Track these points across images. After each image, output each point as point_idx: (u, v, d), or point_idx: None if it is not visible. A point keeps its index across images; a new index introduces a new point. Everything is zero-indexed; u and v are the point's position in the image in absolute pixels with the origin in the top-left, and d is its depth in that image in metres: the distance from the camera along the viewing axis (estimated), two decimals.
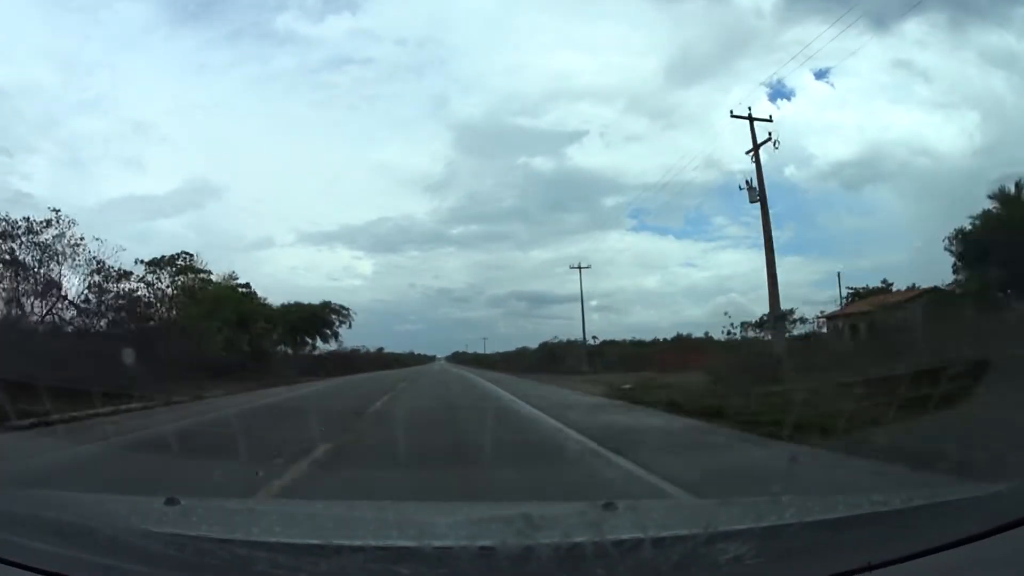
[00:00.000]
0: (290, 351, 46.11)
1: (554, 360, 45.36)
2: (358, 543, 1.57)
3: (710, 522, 1.67)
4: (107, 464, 7.31)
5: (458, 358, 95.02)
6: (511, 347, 76.12)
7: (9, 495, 2.86)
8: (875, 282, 36.11)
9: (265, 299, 41.29)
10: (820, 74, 50.51)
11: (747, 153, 22.10)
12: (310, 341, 49.21)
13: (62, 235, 20.84)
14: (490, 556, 1.50)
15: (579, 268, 46.97)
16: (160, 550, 1.54)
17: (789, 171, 49.74)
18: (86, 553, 1.55)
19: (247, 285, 39.54)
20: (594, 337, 50.84)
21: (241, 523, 2.00)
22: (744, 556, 1.49)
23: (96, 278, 21.68)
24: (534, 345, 64.90)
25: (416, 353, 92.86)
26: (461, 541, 1.63)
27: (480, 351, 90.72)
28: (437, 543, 1.59)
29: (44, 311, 20.41)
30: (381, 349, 67.58)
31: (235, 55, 74.25)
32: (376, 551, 1.52)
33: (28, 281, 20.16)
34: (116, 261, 22.57)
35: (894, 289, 33.03)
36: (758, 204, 21.72)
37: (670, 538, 1.57)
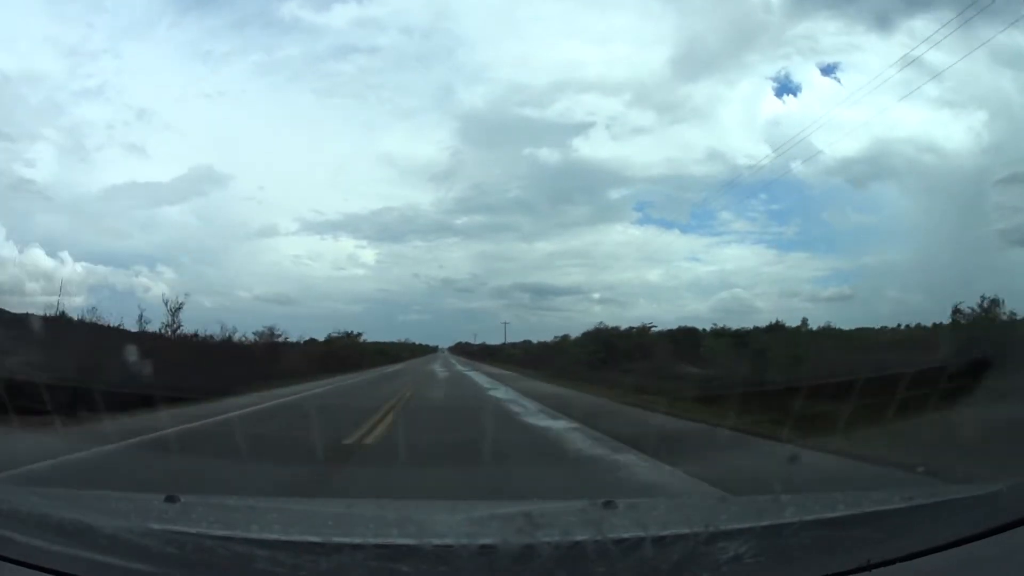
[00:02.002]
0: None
1: (613, 356, 29.57)
2: (358, 541, 1.57)
3: (710, 521, 1.67)
4: None
5: (462, 349, 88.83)
6: (512, 339, 69.08)
7: (10, 493, 2.87)
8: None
9: None
10: (827, 69, 50.17)
11: None
12: None
13: None
14: (490, 554, 1.50)
15: None
16: (160, 548, 1.54)
17: (795, 166, 49.33)
18: (87, 551, 1.55)
19: None
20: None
21: (240, 521, 2.00)
22: (744, 555, 1.50)
23: None
24: (544, 337, 56.82)
25: (417, 343, 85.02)
26: (461, 539, 1.63)
27: (490, 341, 79.54)
28: (437, 541, 1.59)
29: None
30: (353, 334, 49.24)
31: (240, 43, 73.79)
32: (376, 549, 1.52)
33: None
34: None
35: None
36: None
37: (671, 537, 1.57)
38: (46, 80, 56.57)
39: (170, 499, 2.04)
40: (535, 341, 61.09)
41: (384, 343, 64.35)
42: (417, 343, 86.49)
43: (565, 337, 44.37)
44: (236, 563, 1.49)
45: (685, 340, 29.84)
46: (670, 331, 32.87)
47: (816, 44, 48.90)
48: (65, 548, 1.57)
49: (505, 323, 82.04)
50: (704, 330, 31.23)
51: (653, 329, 34.75)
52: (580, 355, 33.51)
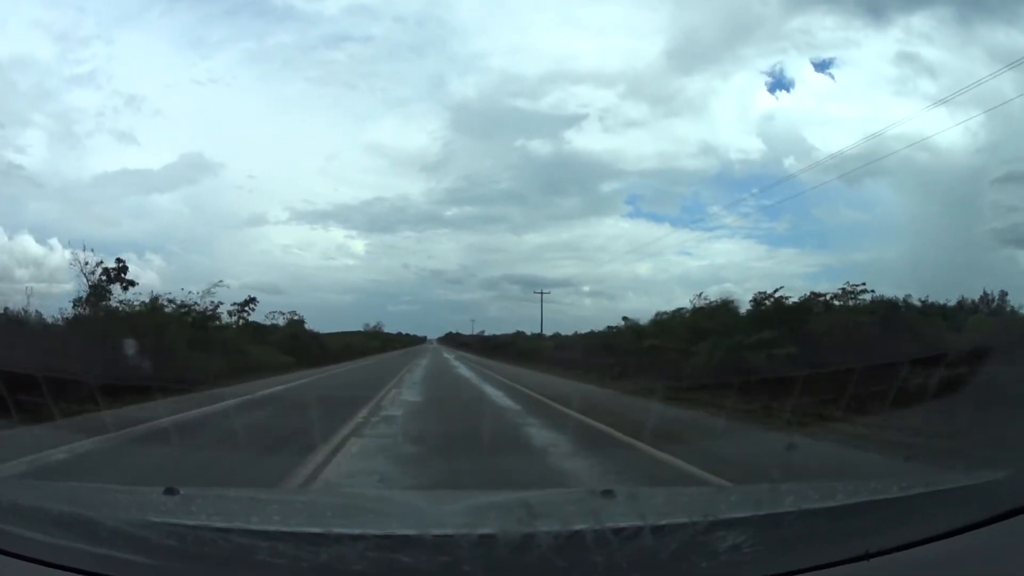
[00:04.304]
0: None
1: (816, 353, 13.41)
2: (358, 532, 1.58)
3: (709, 510, 1.67)
4: None
5: (455, 341, 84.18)
6: (501, 331, 60.80)
7: (10, 486, 2.87)
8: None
9: None
10: (822, 65, 49.97)
11: None
12: None
13: None
14: (490, 544, 1.50)
15: None
16: (160, 540, 1.54)
17: (788, 162, 49.08)
18: (87, 544, 1.55)
19: None
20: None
21: (240, 512, 2.01)
22: (743, 544, 1.50)
23: None
24: (535, 328, 47.24)
25: (401, 333, 79.88)
26: (461, 529, 1.63)
27: (494, 332, 65.70)
28: (436, 531, 1.59)
29: None
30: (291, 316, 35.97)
31: (232, 31, 74.16)
32: (376, 539, 1.53)
33: None
34: None
35: None
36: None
37: (669, 526, 1.57)
38: (36, 65, 56.10)
39: (169, 491, 2.05)
40: (528, 332, 51.31)
41: (347, 333, 50.96)
42: (405, 333, 79.25)
43: (679, 314, 24.26)
44: (236, 555, 1.49)
45: (897, 320, 17.38)
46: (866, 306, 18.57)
47: (812, 39, 48.78)
48: (65, 541, 1.57)
49: (542, 292, 50.60)
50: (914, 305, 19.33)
51: (865, 296, 17.88)
52: (732, 349, 16.64)
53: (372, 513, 2.17)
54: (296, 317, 37.66)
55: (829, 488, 2.19)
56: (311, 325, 40.76)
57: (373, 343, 59.08)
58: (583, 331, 40.42)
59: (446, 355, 50.53)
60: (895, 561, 1.52)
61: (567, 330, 46.12)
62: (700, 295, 23.32)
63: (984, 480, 1.93)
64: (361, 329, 61.55)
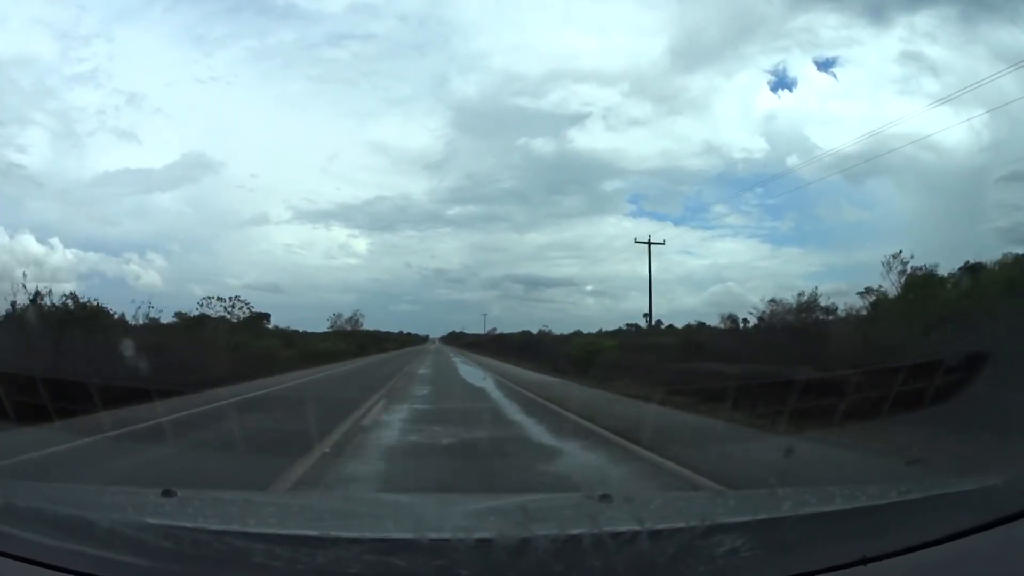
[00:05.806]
0: None
1: None
2: (354, 535, 1.58)
3: (706, 515, 1.67)
4: None
5: (459, 340, 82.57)
6: (505, 330, 58.37)
7: (8, 487, 2.87)
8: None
9: None
10: (825, 64, 50.03)
11: None
12: None
13: None
14: (487, 548, 1.50)
15: None
16: (157, 542, 1.54)
17: (791, 161, 48.94)
18: (84, 546, 1.55)
19: None
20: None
21: (237, 515, 2.01)
22: (740, 549, 1.50)
23: None
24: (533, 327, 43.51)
25: (406, 332, 77.81)
26: (458, 533, 1.63)
27: (480, 331, 64.28)
28: (433, 535, 1.59)
29: None
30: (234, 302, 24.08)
31: (234, 28, 74.27)
32: (372, 543, 1.52)
33: None
34: None
35: None
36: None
37: (667, 530, 1.57)
38: (38, 63, 55.96)
39: (167, 493, 2.04)
40: (533, 331, 46.58)
41: (325, 333, 40.73)
42: (406, 332, 76.17)
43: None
44: (233, 557, 1.49)
45: None
46: None
47: (815, 38, 48.84)
48: (61, 543, 1.57)
49: (649, 243, 33.04)
50: None
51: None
52: None
53: (369, 516, 2.16)
54: (245, 304, 25.33)
55: (827, 493, 2.19)
56: (307, 326, 36.31)
57: (343, 345, 39.99)
58: (587, 331, 37.53)
59: (463, 369, 30.64)
60: (892, 566, 1.51)
61: (563, 330, 44.19)
62: (899, 254, 16.50)
63: (982, 485, 1.93)
64: (330, 328, 44.56)
